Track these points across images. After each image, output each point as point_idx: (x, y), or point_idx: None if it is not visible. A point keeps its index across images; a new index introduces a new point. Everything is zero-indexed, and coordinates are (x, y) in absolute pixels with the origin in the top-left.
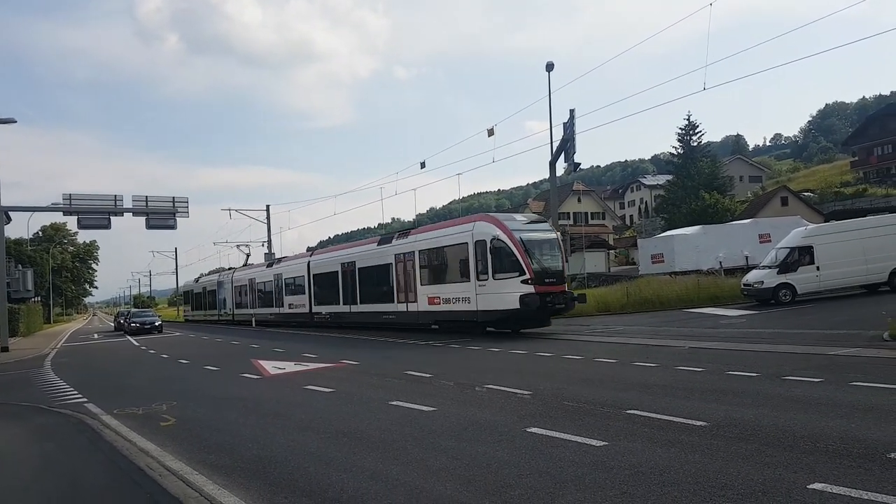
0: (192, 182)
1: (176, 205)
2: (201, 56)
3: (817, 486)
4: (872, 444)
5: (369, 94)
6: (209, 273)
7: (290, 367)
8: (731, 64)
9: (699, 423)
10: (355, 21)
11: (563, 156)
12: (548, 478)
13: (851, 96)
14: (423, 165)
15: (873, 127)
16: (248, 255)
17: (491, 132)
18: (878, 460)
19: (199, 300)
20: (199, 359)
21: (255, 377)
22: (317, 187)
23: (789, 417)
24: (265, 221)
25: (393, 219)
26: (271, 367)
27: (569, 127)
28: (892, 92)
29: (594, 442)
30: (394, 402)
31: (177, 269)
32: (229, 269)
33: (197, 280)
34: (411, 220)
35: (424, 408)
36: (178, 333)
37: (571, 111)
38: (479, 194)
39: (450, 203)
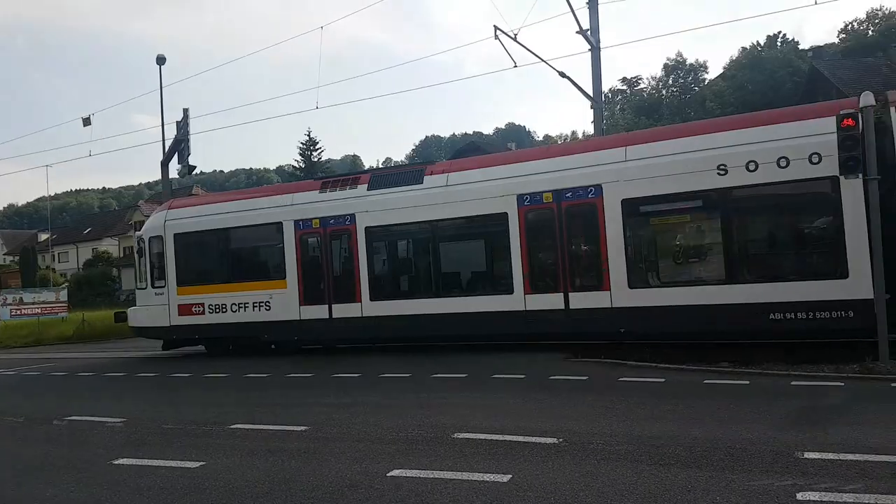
0: None
1: None
2: None
3: (395, 472)
4: (441, 428)
5: None
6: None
7: None
8: (342, 88)
9: (300, 428)
10: None
11: (177, 156)
12: None
13: (446, 132)
14: None
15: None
16: None
17: (87, 121)
18: (445, 442)
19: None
20: None
21: None
22: None
23: (379, 412)
24: None
25: None
26: None
27: (182, 127)
28: (474, 131)
29: (190, 464)
30: None
31: None
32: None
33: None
34: None
35: None
36: None
37: (185, 111)
38: (77, 191)
39: (37, 200)
